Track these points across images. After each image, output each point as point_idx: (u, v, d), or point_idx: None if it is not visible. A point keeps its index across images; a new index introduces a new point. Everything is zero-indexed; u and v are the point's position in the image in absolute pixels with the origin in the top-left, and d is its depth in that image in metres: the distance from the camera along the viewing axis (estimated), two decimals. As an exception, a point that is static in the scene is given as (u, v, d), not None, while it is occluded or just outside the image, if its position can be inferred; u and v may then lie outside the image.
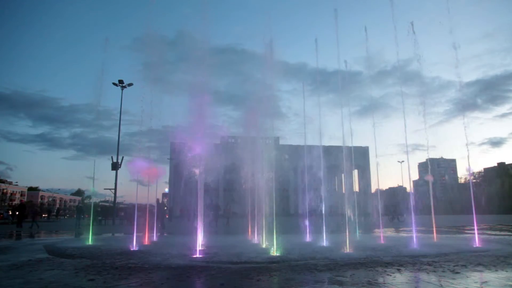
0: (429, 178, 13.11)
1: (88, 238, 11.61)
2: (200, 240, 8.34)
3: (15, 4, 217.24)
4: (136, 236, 10.11)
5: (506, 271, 5.78)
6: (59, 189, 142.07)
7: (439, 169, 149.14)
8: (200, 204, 8.36)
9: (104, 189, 34.65)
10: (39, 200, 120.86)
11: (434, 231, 11.82)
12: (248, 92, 12.52)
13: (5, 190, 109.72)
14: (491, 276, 5.42)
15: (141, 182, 12.03)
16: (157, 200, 17.24)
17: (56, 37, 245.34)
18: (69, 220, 49.24)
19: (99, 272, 5.85)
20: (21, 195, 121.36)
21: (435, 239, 11.46)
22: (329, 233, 10.52)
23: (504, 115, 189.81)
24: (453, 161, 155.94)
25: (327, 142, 13.01)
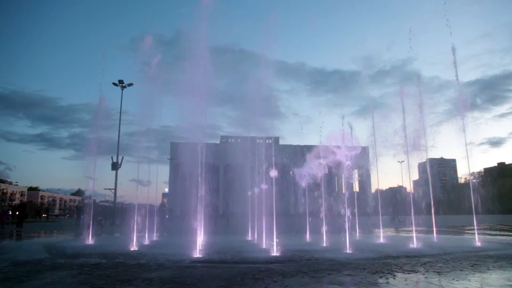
0: None
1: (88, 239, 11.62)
2: (199, 240, 8.34)
3: (14, 4, 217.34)
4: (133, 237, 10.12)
5: (506, 271, 5.77)
6: (59, 189, 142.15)
7: (439, 169, 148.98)
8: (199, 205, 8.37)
9: (104, 189, 34.59)
10: (39, 200, 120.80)
11: (434, 231, 11.82)
12: (247, 92, 12.52)
13: (5, 190, 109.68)
14: (491, 276, 5.42)
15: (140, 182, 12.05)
16: (162, 203, 17.53)
17: (55, 37, 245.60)
18: (66, 221, 49.17)
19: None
20: (21, 195, 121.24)
21: (435, 239, 11.46)
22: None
23: (503, 115, 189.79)
24: (453, 161, 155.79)
25: (326, 142, 12.98)
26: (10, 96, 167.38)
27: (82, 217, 22.40)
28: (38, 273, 5.85)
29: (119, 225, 27.81)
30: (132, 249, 9.42)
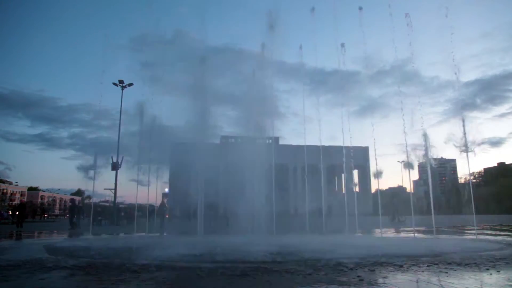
0: None
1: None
2: (199, 240, 8.32)
3: (13, 4, 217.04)
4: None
5: (506, 272, 5.75)
6: (59, 189, 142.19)
7: (439, 169, 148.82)
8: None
9: (104, 189, 34.58)
10: (39, 200, 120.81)
11: (434, 231, 11.81)
12: (247, 92, 12.50)
13: (5, 190, 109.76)
14: (491, 276, 5.40)
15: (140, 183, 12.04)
16: (161, 203, 17.58)
17: (54, 37, 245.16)
18: (66, 221, 49.04)
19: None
20: (21, 195, 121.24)
21: (435, 239, 11.45)
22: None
23: (503, 115, 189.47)
24: (453, 161, 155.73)
25: (326, 142, 13.00)
26: (10, 96, 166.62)
27: (75, 216, 22.29)
28: (34, 272, 5.83)
29: (118, 225, 27.82)
30: (130, 249, 9.40)
